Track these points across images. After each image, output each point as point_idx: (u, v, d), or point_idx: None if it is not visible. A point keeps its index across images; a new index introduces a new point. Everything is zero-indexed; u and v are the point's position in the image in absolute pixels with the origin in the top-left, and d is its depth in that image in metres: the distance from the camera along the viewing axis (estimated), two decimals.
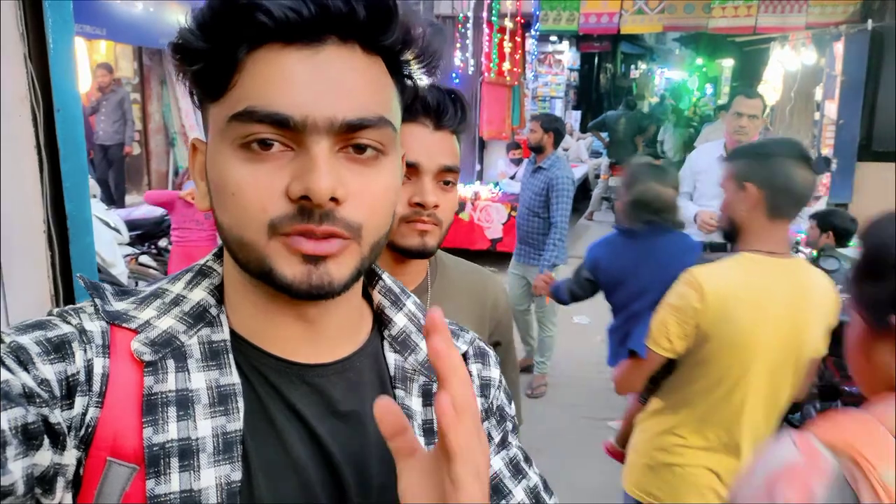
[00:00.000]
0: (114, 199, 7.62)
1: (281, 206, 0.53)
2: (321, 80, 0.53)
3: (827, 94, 6.07)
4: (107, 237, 3.97)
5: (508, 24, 6.73)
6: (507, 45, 6.82)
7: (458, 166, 1.11)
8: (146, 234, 4.97)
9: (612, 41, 13.21)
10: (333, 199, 0.52)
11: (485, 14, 6.74)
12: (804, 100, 7.34)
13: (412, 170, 1.06)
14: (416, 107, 1.05)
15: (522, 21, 6.86)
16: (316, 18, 0.52)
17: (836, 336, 4.16)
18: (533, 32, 6.88)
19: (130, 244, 4.70)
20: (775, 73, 7.69)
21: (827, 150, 5.78)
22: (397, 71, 0.59)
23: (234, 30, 0.52)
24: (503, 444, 0.72)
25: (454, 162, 1.09)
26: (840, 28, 5.52)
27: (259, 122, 0.52)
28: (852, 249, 3.87)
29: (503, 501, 0.69)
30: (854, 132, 5.27)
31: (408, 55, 0.59)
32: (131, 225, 4.73)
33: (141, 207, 5.40)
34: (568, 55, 12.07)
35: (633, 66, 17.80)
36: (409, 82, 0.62)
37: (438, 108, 1.06)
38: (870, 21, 5.18)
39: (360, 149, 0.55)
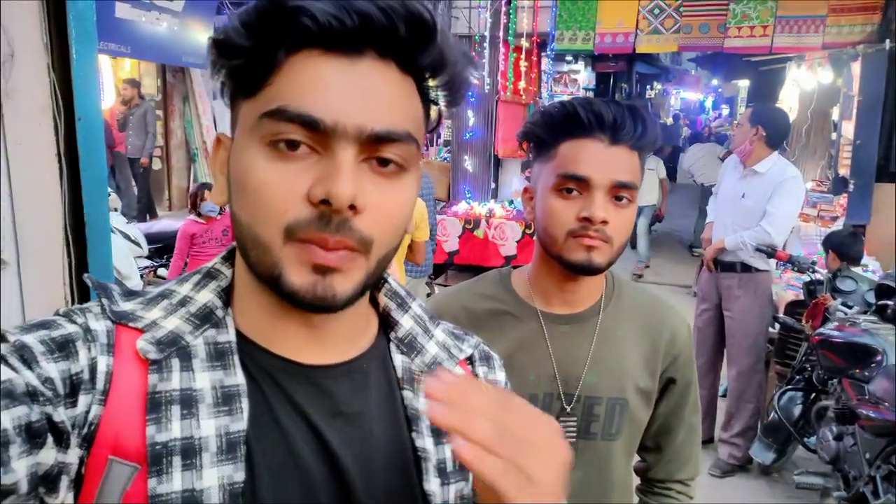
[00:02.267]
0: (143, 211, 7.77)
1: (300, 209, 0.53)
2: (356, 89, 0.54)
3: (844, 114, 6.02)
4: (123, 250, 4.01)
5: (524, 43, 6.77)
6: (523, 64, 6.86)
7: (636, 183, 1.08)
8: (165, 248, 5.03)
9: (628, 61, 13.23)
10: (352, 207, 0.53)
11: (501, 33, 6.81)
12: (821, 119, 7.29)
13: (583, 184, 1.05)
14: (591, 122, 1.05)
15: (538, 40, 6.91)
16: (358, 29, 0.53)
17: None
18: (548, 52, 6.92)
19: (149, 257, 4.76)
20: (791, 93, 7.65)
21: (844, 171, 5.71)
22: (425, 94, 0.60)
23: (278, 31, 0.53)
24: None
25: (630, 178, 1.06)
26: (857, 48, 5.47)
27: (289, 121, 0.53)
28: (871, 274, 3.81)
29: None
30: (872, 152, 5.20)
31: (438, 80, 0.60)
32: (151, 238, 4.80)
33: (161, 221, 5.47)
34: (583, 75, 12.09)
35: (648, 87, 17.82)
36: (433, 108, 0.62)
37: (615, 123, 1.05)
38: (888, 41, 5.14)
39: (384, 162, 0.56)
